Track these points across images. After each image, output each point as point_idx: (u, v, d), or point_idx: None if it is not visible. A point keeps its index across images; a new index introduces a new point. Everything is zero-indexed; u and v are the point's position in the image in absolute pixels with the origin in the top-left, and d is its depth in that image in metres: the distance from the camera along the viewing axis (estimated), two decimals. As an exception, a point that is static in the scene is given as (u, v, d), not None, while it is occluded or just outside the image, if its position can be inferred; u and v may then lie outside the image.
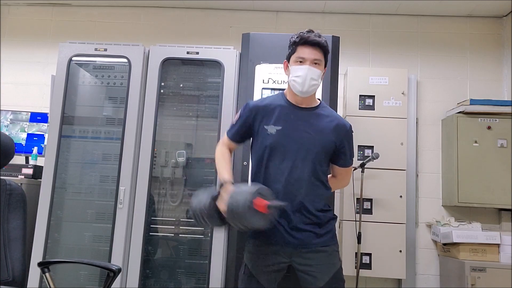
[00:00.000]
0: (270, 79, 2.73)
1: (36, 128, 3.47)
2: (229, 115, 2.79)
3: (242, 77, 2.78)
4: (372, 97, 3.26)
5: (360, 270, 3.05)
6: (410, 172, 3.39)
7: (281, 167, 1.80)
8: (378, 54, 3.69)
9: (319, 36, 1.83)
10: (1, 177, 1.75)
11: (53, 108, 2.90)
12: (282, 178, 1.78)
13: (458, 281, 3.00)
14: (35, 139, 3.45)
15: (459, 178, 3.20)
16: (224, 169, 1.85)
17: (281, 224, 1.77)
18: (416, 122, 3.54)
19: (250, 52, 2.75)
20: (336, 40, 2.74)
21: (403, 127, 3.23)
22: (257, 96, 2.71)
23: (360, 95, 3.27)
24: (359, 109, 3.26)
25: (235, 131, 1.94)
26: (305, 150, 1.80)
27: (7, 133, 2.95)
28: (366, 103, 3.27)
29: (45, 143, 3.25)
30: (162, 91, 2.93)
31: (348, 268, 3.04)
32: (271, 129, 1.83)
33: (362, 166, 3.02)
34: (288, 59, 1.88)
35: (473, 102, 3.27)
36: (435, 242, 3.39)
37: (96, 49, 2.94)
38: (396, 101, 3.25)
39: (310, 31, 1.84)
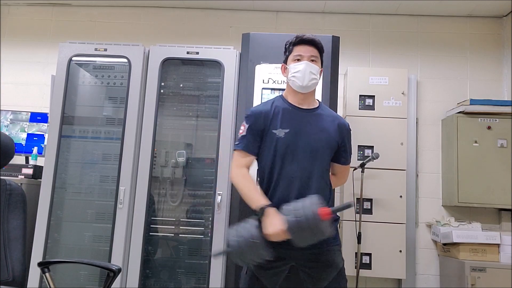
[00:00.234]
0: (270, 79, 2.73)
1: (36, 128, 3.47)
2: (229, 115, 2.79)
3: (242, 77, 2.78)
4: (372, 97, 3.26)
5: (360, 270, 3.05)
6: (410, 172, 3.39)
7: (293, 169, 1.79)
8: (378, 54, 3.69)
9: (314, 36, 1.91)
10: (1, 177, 1.75)
11: (53, 108, 2.90)
12: (295, 180, 1.78)
13: (458, 281, 3.00)
14: (35, 139, 3.45)
15: (459, 178, 3.20)
16: (255, 193, 1.75)
17: None
18: (416, 122, 3.54)
19: (250, 52, 2.75)
20: (336, 40, 2.74)
21: (403, 127, 3.23)
22: (257, 96, 2.71)
23: (360, 95, 3.27)
24: (359, 109, 3.26)
25: (249, 143, 1.84)
26: (314, 150, 1.82)
27: (7, 133, 2.95)
28: (366, 103, 3.27)
29: (45, 143, 3.25)
30: (162, 91, 2.93)
31: (348, 268, 3.02)
32: (280, 132, 1.82)
33: (362, 166, 3.02)
34: (286, 61, 1.93)
35: (473, 102, 3.27)
36: (435, 242, 3.39)
37: (96, 49, 2.94)
38: (396, 101, 3.25)
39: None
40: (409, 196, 3.35)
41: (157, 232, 2.91)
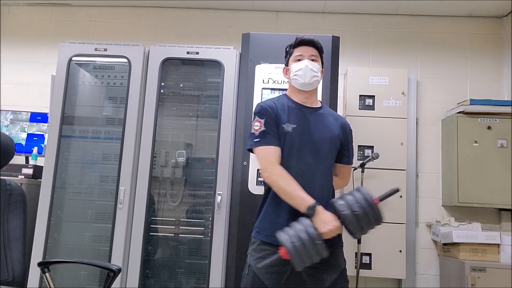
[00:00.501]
0: (270, 79, 2.73)
1: (36, 128, 3.47)
2: (229, 115, 2.79)
3: (242, 77, 2.78)
4: (372, 97, 3.26)
5: (360, 270, 3.05)
6: (410, 172, 3.39)
7: (299, 165, 1.79)
8: (378, 54, 3.69)
9: (313, 37, 1.93)
10: (1, 177, 1.75)
11: (53, 108, 2.90)
12: (300, 176, 1.76)
13: (458, 281, 2.99)
14: (35, 139, 3.45)
15: (459, 178, 3.20)
16: (301, 192, 1.68)
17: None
18: (416, 122, 3.54)
19: (250, 52, 2.76)
20: (336, 40, 2.74)
21: (403, 127, 3.23)
22: (257, 96, 2.71)
23: (360, 95, 3.27)
24: (359, 109, 3.26)
25: (274, 136, 1.77)
26: (318, 148, 1.82)
27: (7, 133, 2.96)
28: (366, 103, 3.27)
29: (45, 143, 3.25)
30: (162, 91, 2.93)
31: (348, 268, 2.98)
32: (288, 126, 1.81)
33: (362, 166, 3.02)
34: (287, 63, 1.95)
35: (473, 102, 3.27)
36: (435, 242, 3.39)
37: (96, 49, 2.94)
38: (396, 101, 3.25)
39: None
40: (409, 196, 3.35)
41: (157, 232, 2.91)
